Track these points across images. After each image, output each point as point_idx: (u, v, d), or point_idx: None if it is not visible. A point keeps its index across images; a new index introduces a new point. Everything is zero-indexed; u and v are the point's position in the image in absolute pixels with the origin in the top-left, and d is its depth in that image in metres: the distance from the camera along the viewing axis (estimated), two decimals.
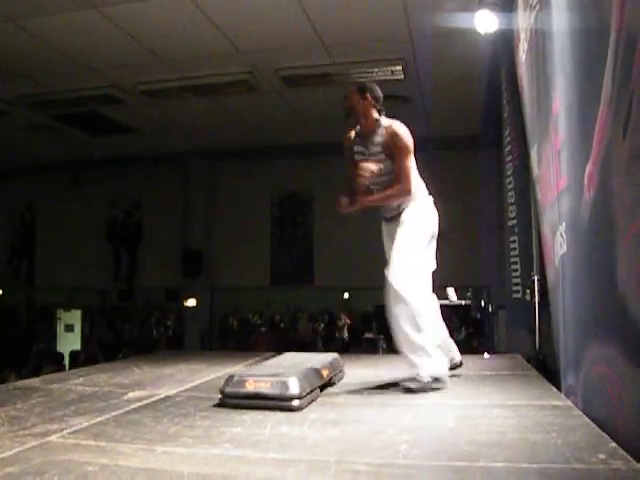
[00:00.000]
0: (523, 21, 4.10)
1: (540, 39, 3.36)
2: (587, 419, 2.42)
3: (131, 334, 12.19)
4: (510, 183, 5.40)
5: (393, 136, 3.50)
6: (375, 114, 3.56)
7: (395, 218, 3.59)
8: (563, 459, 1.91)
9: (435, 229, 3.63)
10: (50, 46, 6.60)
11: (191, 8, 5.79)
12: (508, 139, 5.47)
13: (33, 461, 1.93)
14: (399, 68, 7.07)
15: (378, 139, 3.55)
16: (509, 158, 5.44)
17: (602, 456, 1.90)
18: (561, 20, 2.81)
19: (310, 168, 10.70)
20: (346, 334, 11.61)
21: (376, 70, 7.20)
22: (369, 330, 11.33)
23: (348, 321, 11.71)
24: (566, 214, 2.84)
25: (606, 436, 2.14)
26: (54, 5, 5.74)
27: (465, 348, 9.35)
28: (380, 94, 3.60)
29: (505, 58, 5.37)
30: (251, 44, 6.66)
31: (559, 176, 2.95)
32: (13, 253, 12.92)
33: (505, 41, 5.14)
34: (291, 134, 9.91)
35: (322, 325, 11.94)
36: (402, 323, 3.25)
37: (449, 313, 11.95)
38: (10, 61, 7.03)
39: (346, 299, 12.35)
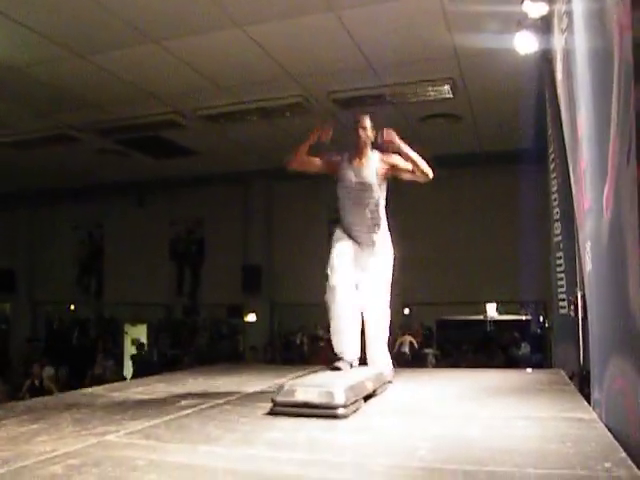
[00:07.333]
0: (558, 42, 4.20)
1: (569, 62, 3.47)
2: (606, 431, 2.51)
3: (196, 348, 12.59)
4: (555, 200, 5.44)
5: (387, 156, 3.81)
6: None
7: (368, 246, 3.89)
8: (569, 466, 2.02)
9: None
10: (116, 78, 7.12)
11: (243, 38, 6.12)
12: (553, 156, 5.52)
13: (91, 455, 2.22)
14: (447, 87, 7.21)
15: (373, 165, 3.81)
16: (554, 175, 5.47)
17: (608, 464, 2.00)
18: (580, 45, 2.94)
19: None
20: (407, 350, 11.63)
21: (429, 89, 7.37)
22: (429, 345, 11.33)
23: (411, 339, 11.68)
24: (590, 233, 2.94)
25: (618, 446, 2.23)
26: (119, 41, 6.19)
27: (527, 363, 9.34)
28: None
29: (547, 77, 5.44)
30: (302, 69, 6.94)
31: (585, 197, 3.06)
32: (83, 270, 13.63)
33: (546, 60, 5.22)
34: None
35: None
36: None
37: (511, 328, 11.96)
38: (80, 92, 7.56)
39: (406, 315, 12.37)
